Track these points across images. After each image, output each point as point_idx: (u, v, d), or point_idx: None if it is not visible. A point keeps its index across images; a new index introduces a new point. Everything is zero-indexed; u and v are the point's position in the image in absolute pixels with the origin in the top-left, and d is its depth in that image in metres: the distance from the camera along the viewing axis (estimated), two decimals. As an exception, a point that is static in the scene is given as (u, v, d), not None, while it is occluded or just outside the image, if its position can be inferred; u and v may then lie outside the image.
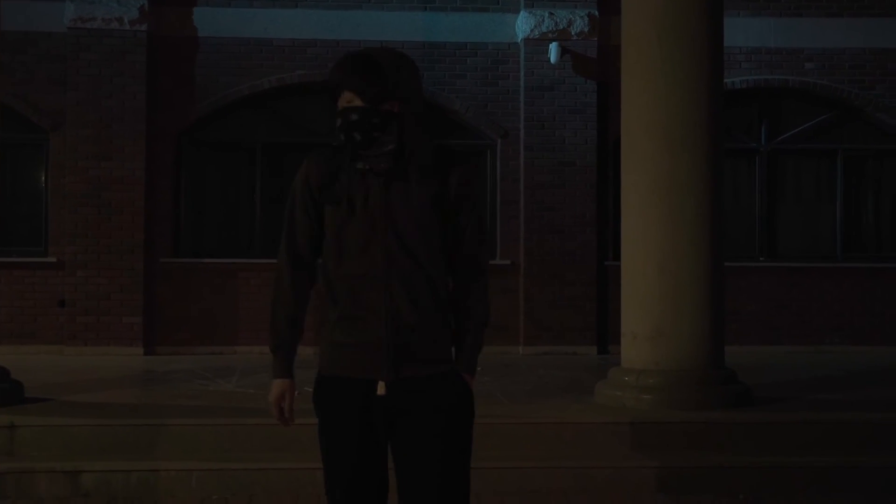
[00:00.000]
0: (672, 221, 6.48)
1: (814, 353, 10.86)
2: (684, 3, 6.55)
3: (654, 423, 6.03)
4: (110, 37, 10.58)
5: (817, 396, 7.12)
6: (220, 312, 10.81)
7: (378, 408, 2.73)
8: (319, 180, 2.78)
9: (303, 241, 2.82)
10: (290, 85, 11.05)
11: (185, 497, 5.47)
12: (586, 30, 11.01)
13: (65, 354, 10.25)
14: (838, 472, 5.66)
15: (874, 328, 11.19)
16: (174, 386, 7.73)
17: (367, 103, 2.69)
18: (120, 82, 10.60)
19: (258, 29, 10.97)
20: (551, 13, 10.99)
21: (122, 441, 5.88)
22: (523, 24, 11.02)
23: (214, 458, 5.69)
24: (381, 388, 2.72)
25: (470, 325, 2.83)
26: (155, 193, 10.76)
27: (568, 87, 11.07)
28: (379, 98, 2.70)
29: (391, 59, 2.77)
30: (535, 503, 5.45)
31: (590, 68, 11.06)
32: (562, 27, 10.99)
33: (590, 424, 6.07)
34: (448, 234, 2.80)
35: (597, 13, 11.01)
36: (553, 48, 10.90)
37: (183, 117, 10.90)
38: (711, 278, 6.55)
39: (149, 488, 5.50)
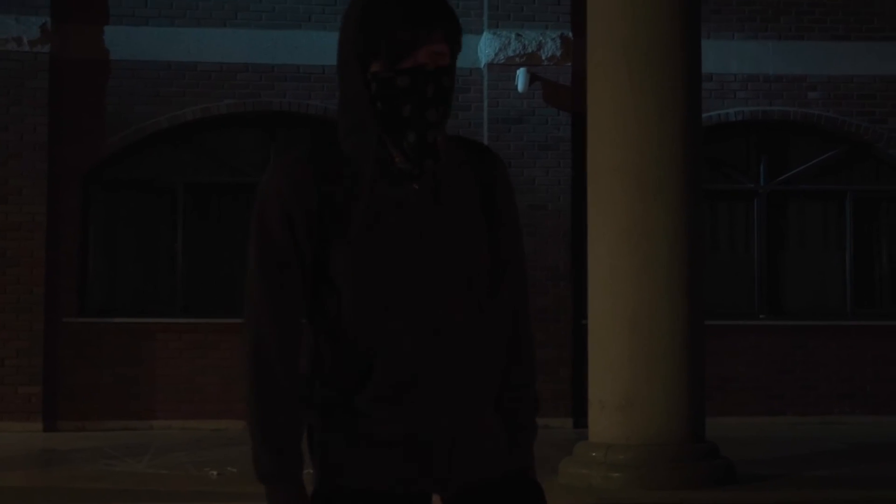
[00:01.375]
0: (644, 274, 6.75)
1: (820, 424, 11.12)
2: (657, 25, 6.87)
3: (623, 504, 6.25)
4: (7, 59, 10.79)
5: (813, 473, 7.37)
6: (134, 381, 10.92)
7: None
8: (317, 189, 2.14)
9: (291, 289, 2.15)
10: (216, 116, 11.30)
11: None
12: (558, 54, 11.36)
13: (-52, 431, 10.31)
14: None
15: (890, 395, 11.48)
16: (76, 466, 7.88)
17: (452, 62, 2.18)
18: (18, 112, 10.79)
19: (180, 51, 11.21)
20: (518, 35, 11.34)
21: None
22: (486, 48, 11.36)
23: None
24: None
25: (522, 398, 2.30)
26: (58, 242, 10.90)
27: (538, 120, 11.40)
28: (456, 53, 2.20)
29: None
30: None
31: (563, 98, 11.39)
32: (530, 51, 11.34)
33: (550, 507, 6.25)
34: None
35: (570, 34, 11.35)
36: (521, 75, 11.23)
37: (92, 153, 11.09)
38: (689, 338, 6.80)
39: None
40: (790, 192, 12.02)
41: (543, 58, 11.35)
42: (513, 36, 11.35)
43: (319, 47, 11.25)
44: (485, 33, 11.40)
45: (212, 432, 10.33)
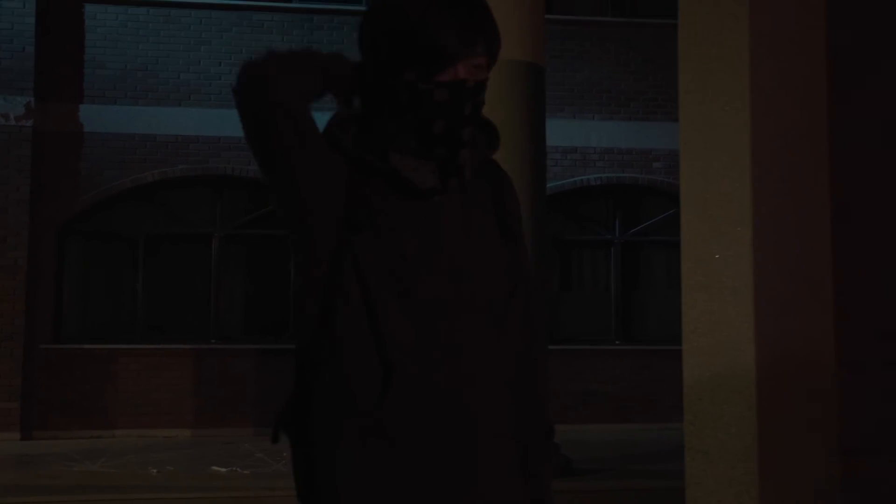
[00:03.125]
0: (500, 309, 7.08)
1: (662, 430, 11.50)
2: (510, 116, 7.28)
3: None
4: (-4, 132, 10.92)
5: (637, 468, 7.73)
6: (99, 397, 11.03)
7: None
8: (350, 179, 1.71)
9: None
10: (172, 178, 11.49)
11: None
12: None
13: (-61, 441, 10.31)
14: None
15: (718, 406, 11.88)
16: (41, 467, 7.98)
17: (489, 71, 1.73)
18: (4, 175, 10.90)
19: (142, 125, 11.42)
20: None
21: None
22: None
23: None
24: None
25: (535, 425, 1.82)
26: (38, 282, 11.00)
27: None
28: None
29: None
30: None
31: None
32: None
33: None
34: None
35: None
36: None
37: (67, 209, 11.23)
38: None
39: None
40: (640, 242, 12.48)
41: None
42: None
43: (257, 123, 11.51)
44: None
45: (164, 439, 10.45)
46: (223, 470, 7.39)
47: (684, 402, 3.89)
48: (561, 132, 11.58)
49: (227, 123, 11.49)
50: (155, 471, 7.46)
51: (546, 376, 1.89)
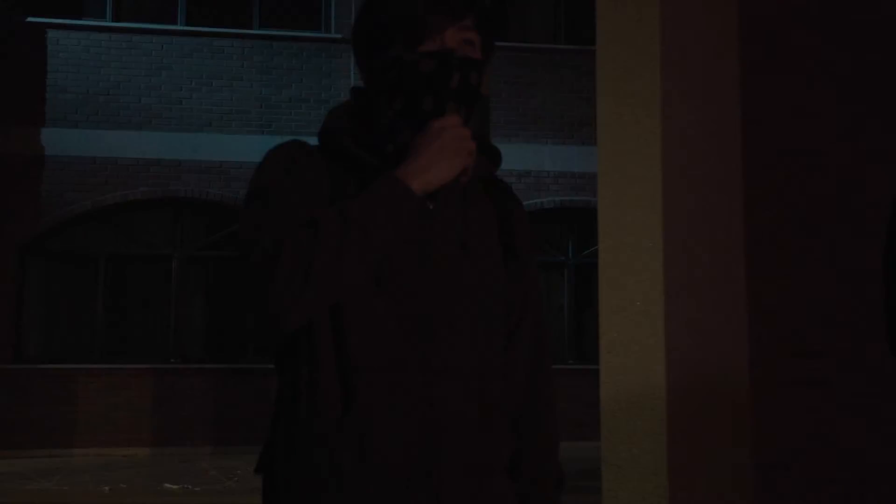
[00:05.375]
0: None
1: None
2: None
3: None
4: (-42, 155, 10.98)
5: (575, 483, 7.87)
6: (59, 416, 11.05)
7: None
8: (329, 178, 1.50)
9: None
10: (132, 201, 11.58)
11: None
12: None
13: None
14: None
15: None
16: (-5, 486, 8.03)
17: (483, 55, 1.54)
18: (-34, 197, 10.97)
19: (103, 149, 11.52)
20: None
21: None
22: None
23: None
24: None
25: (536, 477, 1.60)
26: (-2, 302, 11.05)
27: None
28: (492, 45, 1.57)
29: None
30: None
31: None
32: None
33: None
34: None
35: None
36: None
37: (28, 230, 11.29)
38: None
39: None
40: (593, 263, 12.65)
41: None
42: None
43: (218, 146, 11.66)
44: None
45: (122, 457, 10.50)
46: (175, 487, 7.48)
47: (601, 418, 4.04)
48: (516, 156, 11.80)
49: (187, 147, 11.62)
50: (107, 488, 7.54)
51: (555, 415, 1.65)
